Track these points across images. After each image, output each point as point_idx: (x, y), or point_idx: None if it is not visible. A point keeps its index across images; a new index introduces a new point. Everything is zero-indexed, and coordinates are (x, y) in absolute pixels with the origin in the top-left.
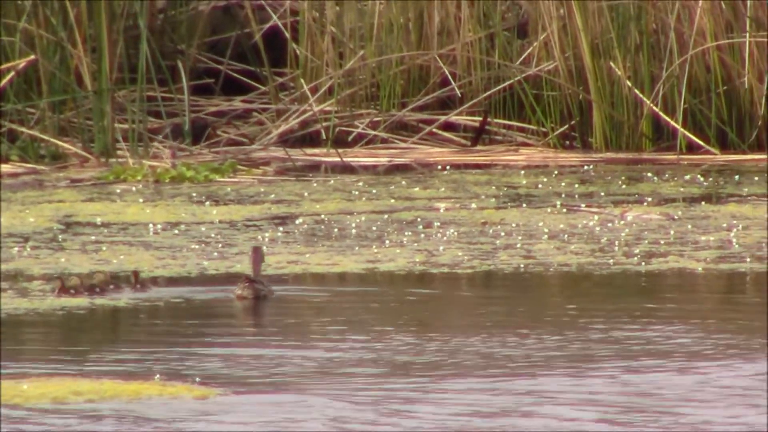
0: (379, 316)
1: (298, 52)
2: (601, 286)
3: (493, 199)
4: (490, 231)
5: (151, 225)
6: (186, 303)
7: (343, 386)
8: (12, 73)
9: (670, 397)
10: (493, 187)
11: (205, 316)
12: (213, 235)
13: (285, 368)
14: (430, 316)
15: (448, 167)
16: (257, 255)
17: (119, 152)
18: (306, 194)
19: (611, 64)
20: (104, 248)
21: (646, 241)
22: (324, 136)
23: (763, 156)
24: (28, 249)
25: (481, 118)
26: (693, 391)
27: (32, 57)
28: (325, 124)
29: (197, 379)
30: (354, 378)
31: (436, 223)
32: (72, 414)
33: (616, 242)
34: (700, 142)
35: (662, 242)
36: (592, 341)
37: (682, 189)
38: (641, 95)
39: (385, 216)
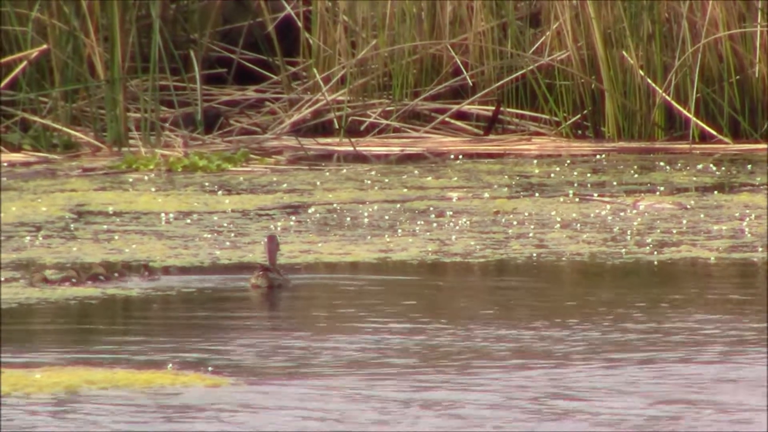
0: (401, 304)
1: (310, 41)
2: (622, 276)
3: (506, 189)
4: (503, 220)
5: (163, 214)
6: (198, 292)
7: (367, 376)
8: (24, 63)
9: (709, 386)
10: (506, 177)
11: (218, 305)
12: (225, 225)
13: (299, 357)
14: (454, 305)
15: (460, 156)
16: (272, 244)
17: (131, 141)
18: (318, 183)
19: (624, 53)
20: (116, 237)
21: (659, 231)
22: (336, 126)
23: None
24: (41, 238)
25: (493, 108)
26: (724, 380)
27: (45, 46)
28: (337, 113)
29: (210, 368)
30: (378, 368)
31: (449, 213)
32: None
33: (629, 231)
34: (713, 132)
35: (674, 231)
36: (626, 330)
37: (694, 178)
38: (654, 84)
39: (398, 205)
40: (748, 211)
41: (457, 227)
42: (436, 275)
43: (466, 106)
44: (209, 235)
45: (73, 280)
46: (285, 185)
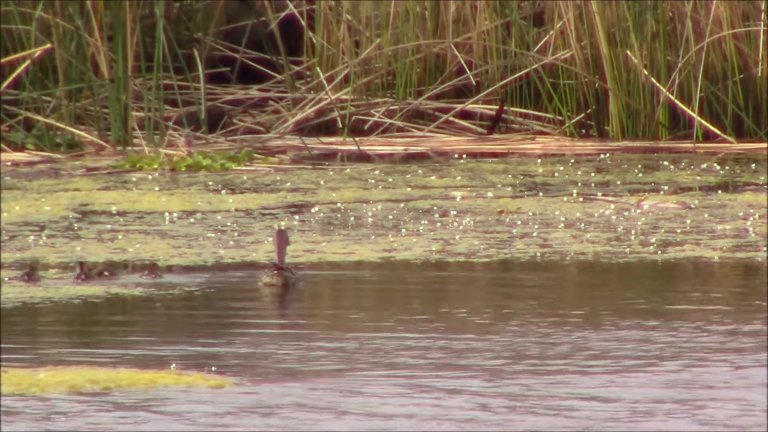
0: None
1: (314, 40)
2: (663, 275)
3: (510, 188)
4: (507, 220)
5: (167, 213)
6: (202, 291)
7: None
8: (28, 62)
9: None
10: (510, 176)
11: (223, 304)
12: (229, 224)
13: (306, 357)
14: (506, 305)
15: (464, 156)
16: (281, 239)
17: (135, 140)
18: (322, 183)
19: (627, 52)
20: (120, 237)
21: (663, 230)
22: (340, 125)
23: None
24: (44, 237)
25: (497, 107)
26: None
27: (48, 45)
28: (341, 112)
29: (213, 368)
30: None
31: (453, 212)
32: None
33: (633, 231)
34: (717, 131)
35: (678, 231)
36: (712, 331)
37: (698, 177)
38: (657, 83)
39: (402, 204)
40: (752, 211)
41: (461, 227)
42: (461, 272)
43: (469, 106)
44: (213, 235)
45: (24, 276)
46: (288, 184)
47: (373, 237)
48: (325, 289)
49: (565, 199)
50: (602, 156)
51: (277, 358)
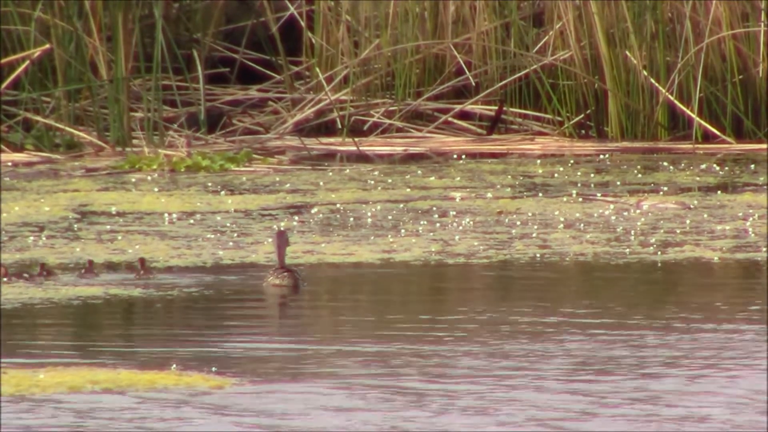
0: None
1: (313, 41)
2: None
3: (509, 189)
4: (506, 220)
5: (166, 214)
6: (202, 292)
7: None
8: (27, 62)
9: None
10: (509, 177)
11: (223, 305)
12: (228, 225)
13: (305, 359)
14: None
15: (463, 156)
16: (281, 240)
17: (134, 141)
18: (321, 183)
19: (627, 52)
20: (120, 238)
21: (662, 231)
22: (339, 125)
23: None
24: (44, 238)
25: (496, 107)
26: None
27: (47, 46)
28: (340, 113)
29: (213, 368)
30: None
31: (452, 213)
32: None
33: (632, 231)
34: (716, 131)
35: (678, 231)
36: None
37: (697, 178)
38: (657, 84)
39: (401, 205)
40: (751, 211)
41: (461, 227)
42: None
43: (469, 106)
44: (212, 236)
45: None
46: (288, 185)
47: (372, 238)
48: (327, 290)
49: (565, 199)
50: (601, 156)
51: (278, 359)
